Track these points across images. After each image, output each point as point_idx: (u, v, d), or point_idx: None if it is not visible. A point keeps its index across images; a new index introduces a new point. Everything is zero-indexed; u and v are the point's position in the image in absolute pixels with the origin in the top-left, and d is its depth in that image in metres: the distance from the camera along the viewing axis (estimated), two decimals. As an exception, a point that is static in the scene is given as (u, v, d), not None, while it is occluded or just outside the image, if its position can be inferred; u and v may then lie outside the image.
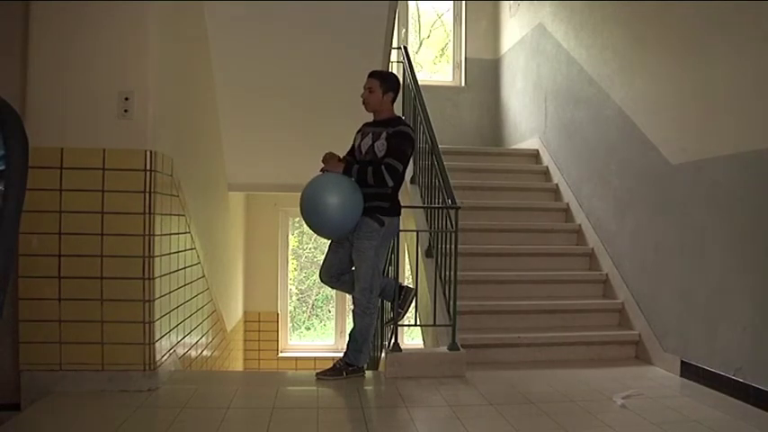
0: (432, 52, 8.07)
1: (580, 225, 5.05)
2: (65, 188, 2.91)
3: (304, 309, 8.11)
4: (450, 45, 7.71)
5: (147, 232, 2.96)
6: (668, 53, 3.83)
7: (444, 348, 3.53)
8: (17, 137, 1.69)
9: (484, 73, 7.48)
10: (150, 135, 3.00)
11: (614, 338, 4.12)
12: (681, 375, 3.53)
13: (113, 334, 2.93)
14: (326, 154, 3.31)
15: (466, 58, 7.52)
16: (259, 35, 4.22)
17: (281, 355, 7.29)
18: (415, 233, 4.11)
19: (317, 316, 8.16)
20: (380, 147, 3.23)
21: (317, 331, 8.04)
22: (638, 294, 4.12)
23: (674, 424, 2.73)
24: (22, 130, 1.73)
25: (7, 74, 2.92)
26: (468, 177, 5.50)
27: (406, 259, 5.54)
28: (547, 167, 5.81)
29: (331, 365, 3.42)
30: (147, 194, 2.97)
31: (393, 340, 3.51)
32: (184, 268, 3.63)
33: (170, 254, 3.29)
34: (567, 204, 5.31)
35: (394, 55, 5.53)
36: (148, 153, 2.97)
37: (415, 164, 5.06)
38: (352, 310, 3.37)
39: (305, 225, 3.40)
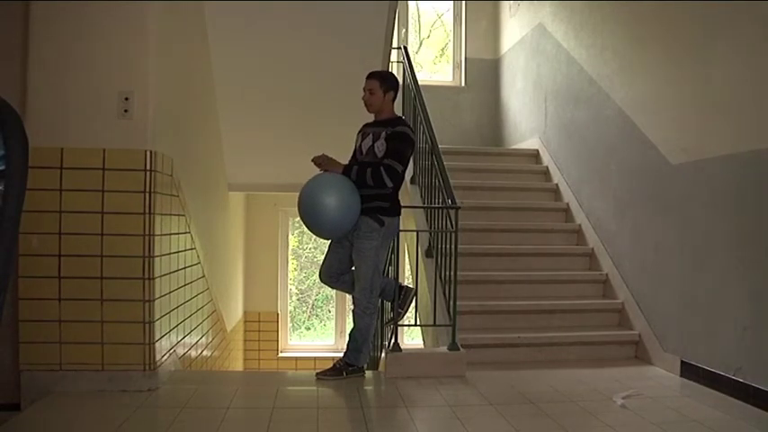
0: (432, 52, 8.07)
1: (580, 225, 5.05)
2: (65, 188, 2.91)
3: (304, 309, 8.11)
4: (450, 45, 7.71)
5: (147, 232, 2.96)
6: (668, 53, 3.83)
7: (444, 348, 3.53)
8: (17, 137, 1.69)
9: (484, 73, 7.48)
10: (150, 135, 3.00)
11: (614, 338, 4.12)
12: (681, 375, 3.53)
13: (113, 334, 2.93)
14: (318, 157, 3.29)
15: (466, 58, 7.52)
16: (259, 35, 4.22)
17: (281, 355, 7.29)
18: (415, 233, 4.11)
19: (317, 316, 8.16)
20: (380, 147, 3.23)
21: (316, 331, 8.04)
22: (638, 294, 4.12)
23: (674, 424, 2.73)
24: (22, 130, 1.73)
25: (7, 74, 2.91)
26: (468, 177, 5.50)
27: (406, 259, 5.54)
28: (547, 167, 5.81)
29: (331, 365, 3.42)
30: (147, 194, 2.97)
31: (393, 340, 3.51)
32: (184, 268, 3.63)
33: (170, 254, 3.29)
34: (567, 204, 5.31)
35: (394, 55, 5.53)
36: (148, 153, 2.97)
37: (415, 164, 5.06)
38: (352, 310, 3.37)
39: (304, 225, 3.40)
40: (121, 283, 2.93)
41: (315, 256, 7.97)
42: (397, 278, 3.77)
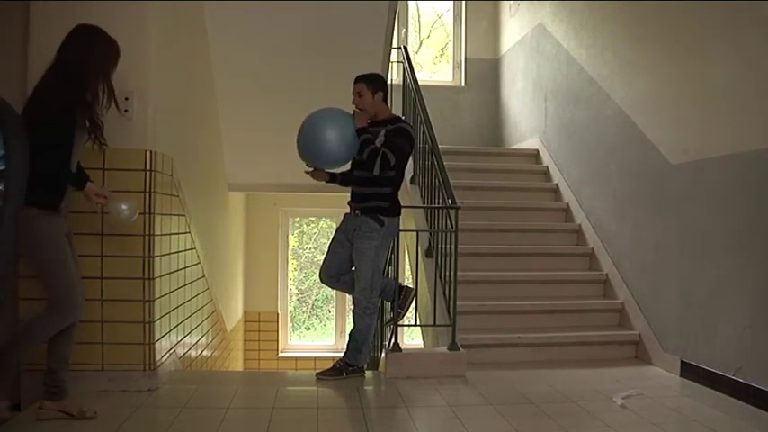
0: (432, 52, 8.07)
1: (580, 225, 5.05)
2: (65, 188, 2.90)
3: (304, 309, 8.11)
4: (450, 45, 7.71)
5: (147, 232, 2.96)
6: (668, 53, 3.83)
7: (444, 348, 3.53)
8: (17, 137, 1.69)
9: (484, 73, 7.48)
10: (150, 135, 3.00)
11: (614, 338, 4.12)
12: (681, 375, 3.53)
13: (113, 334, 2.93)
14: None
15: (466, 58, 7.52)
16: (259, 35, 4.22)
17: (281, 355, 7.29)
18: (415, 233, 4.11)
19: (317, 316, 8.16)
20: (380, 144, 3.23)
21: (316, 331, 8.04)
22: (638, 294, 4.12)
23: (674, 424, 2.73)
24: (22, 130, 1.73)
25: (7, 74, 2.91)
26: (468, 177, 5.50)
27: (406, 259, 5.54)
28: (547, 167, 5.81)
29: (331, 365, 3.42)
30: (147, 194, 2.97)
31: (393, 340, 3.51)
32: (184, 268, 3.63)
33: (170, 254, 3.29)
34: (567, 204, 5.31)
35: (394, 55, 5.52)
36: (148, 153, 2.98)
37: (415, 164, 5.06)
38: (352, 310, 3.38)
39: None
40: (121, 283, 2.93)
41: (315, 256, 7.97)
42: (397, 278, 3.77)
